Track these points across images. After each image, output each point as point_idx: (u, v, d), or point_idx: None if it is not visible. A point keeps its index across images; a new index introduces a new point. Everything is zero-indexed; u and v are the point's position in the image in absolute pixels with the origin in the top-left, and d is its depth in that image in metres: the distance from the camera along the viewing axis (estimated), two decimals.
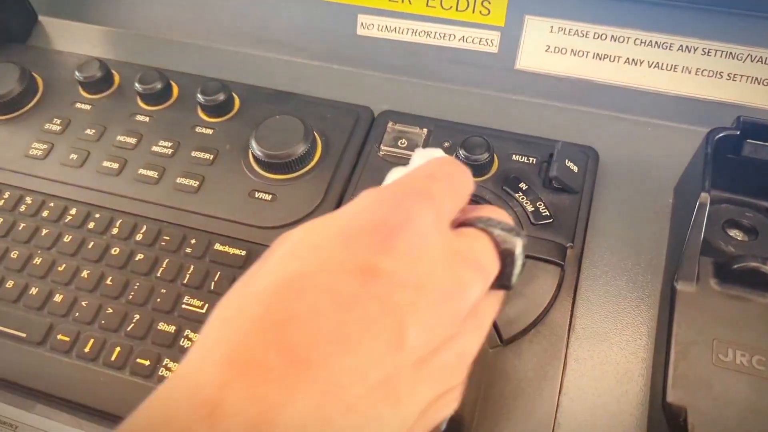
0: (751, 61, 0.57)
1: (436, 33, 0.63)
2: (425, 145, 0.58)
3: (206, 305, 0.51)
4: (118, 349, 0.49)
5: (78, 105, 0.64)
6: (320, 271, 0.24)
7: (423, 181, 0.28)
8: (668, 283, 0.48)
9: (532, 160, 0.56)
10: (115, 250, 0.54)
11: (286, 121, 0.57)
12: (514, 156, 0.56)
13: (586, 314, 0.50)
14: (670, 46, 0.58)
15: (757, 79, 0.57)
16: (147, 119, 0.62)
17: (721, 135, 0.50)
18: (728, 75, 0.58)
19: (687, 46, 0.57)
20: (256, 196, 0.56)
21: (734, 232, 0.52)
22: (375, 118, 0.61)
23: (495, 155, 0.56)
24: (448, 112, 0.62)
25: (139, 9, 0.72)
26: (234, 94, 0.62)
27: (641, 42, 0.58)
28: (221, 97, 0.60)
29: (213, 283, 0.52)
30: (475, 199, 0.54)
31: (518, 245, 0.30)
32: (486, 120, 0.60)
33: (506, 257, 0.30)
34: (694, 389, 0.41)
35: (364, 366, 0.23)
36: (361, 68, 0.66)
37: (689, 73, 0.58)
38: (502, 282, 0.30)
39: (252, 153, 0.56)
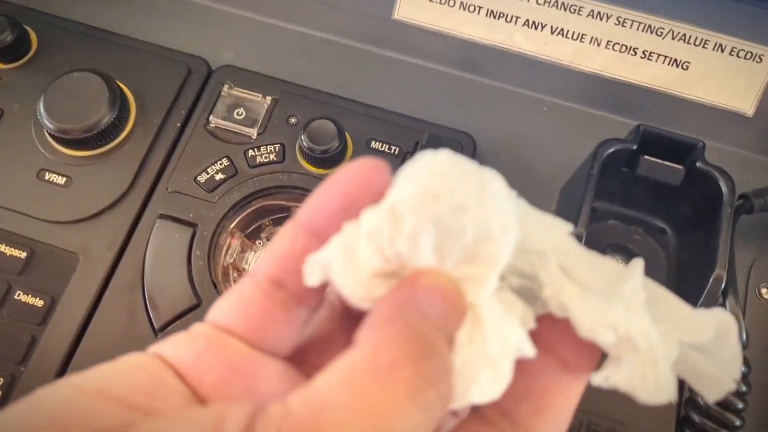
0: (672, 38, 0.46)
1: None
2: (267, 118, 0.46)
3: None
4: None
5: None
6: None
7: None
8: None
9: (395, 149, 0.46)
10: None
11: (86, 81, 0.44)
12: (373, 143, 0.46)
13: None
14: (579, 10, 0.46)
15: (676, 61, 0.47)
16: None
17: (613, 150, 0.40)
18: (643, 53, 0.47)
19: (599, 12, 0.46)
20: (47, 177, 0.44)
21: (617, 258, 0.44)
22: (211, 72, 0.49)
23: (349, 141, 0.45)
24: (305, 69, 0.50)
25: None
26: (30, 30, 0.48)
27: (545, 1, 0.46)
28: (8, 38, 0.46)
29: None
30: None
31: None
32: (348, 84, 0.49)
33: None
34: None
35: None
36: None
37: (598, 45, 0.47)
38: None
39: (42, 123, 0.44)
